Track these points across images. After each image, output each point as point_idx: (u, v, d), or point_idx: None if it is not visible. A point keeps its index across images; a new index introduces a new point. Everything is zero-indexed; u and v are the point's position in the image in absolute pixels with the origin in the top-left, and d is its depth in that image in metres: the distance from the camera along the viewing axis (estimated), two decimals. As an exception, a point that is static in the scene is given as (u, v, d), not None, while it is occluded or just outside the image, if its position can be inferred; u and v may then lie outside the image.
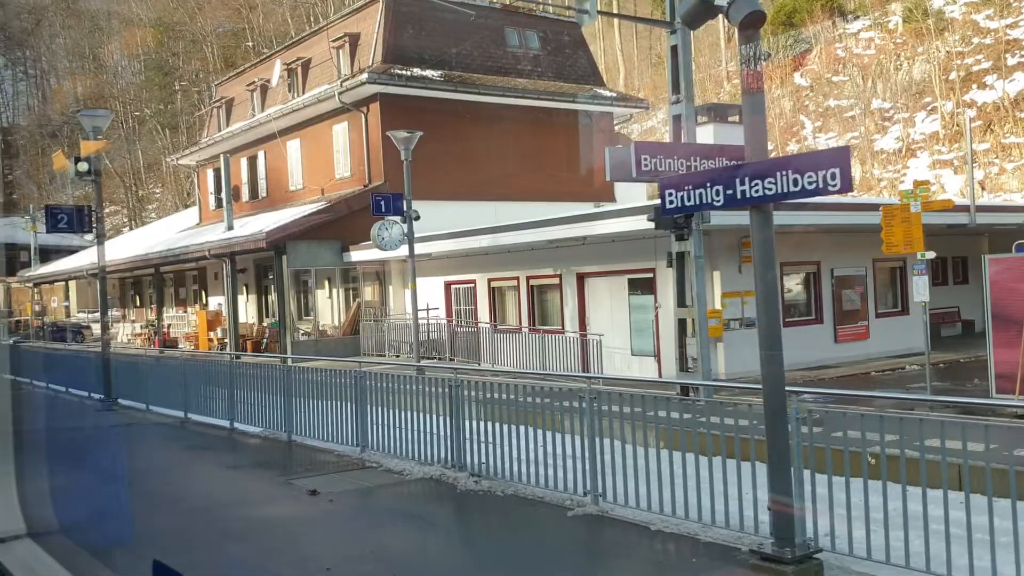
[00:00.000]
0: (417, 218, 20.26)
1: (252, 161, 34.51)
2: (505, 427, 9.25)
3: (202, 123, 46.93)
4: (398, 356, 26.32)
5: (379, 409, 10.98)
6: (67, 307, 48.73)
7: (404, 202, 20.18)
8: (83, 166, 16.45)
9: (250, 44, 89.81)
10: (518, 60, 30.31)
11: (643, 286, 19.95)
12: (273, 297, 33.54)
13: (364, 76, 26.55)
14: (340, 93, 27.40)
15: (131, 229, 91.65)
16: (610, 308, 20.83)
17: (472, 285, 25.11)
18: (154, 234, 46.01)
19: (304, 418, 12.27)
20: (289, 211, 29.05)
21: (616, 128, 32.94)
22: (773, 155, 7.29)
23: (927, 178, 46.18)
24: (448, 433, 9.58)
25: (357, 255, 26.85)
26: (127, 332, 49.25)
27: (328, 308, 28.92)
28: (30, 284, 49.69)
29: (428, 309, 25.70)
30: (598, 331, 20.57)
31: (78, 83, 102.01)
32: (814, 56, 61.03)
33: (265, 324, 33.84)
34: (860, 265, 22.04)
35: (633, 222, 17.04)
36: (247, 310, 35.37)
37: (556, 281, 22.19)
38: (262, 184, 33.78)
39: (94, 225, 16.83)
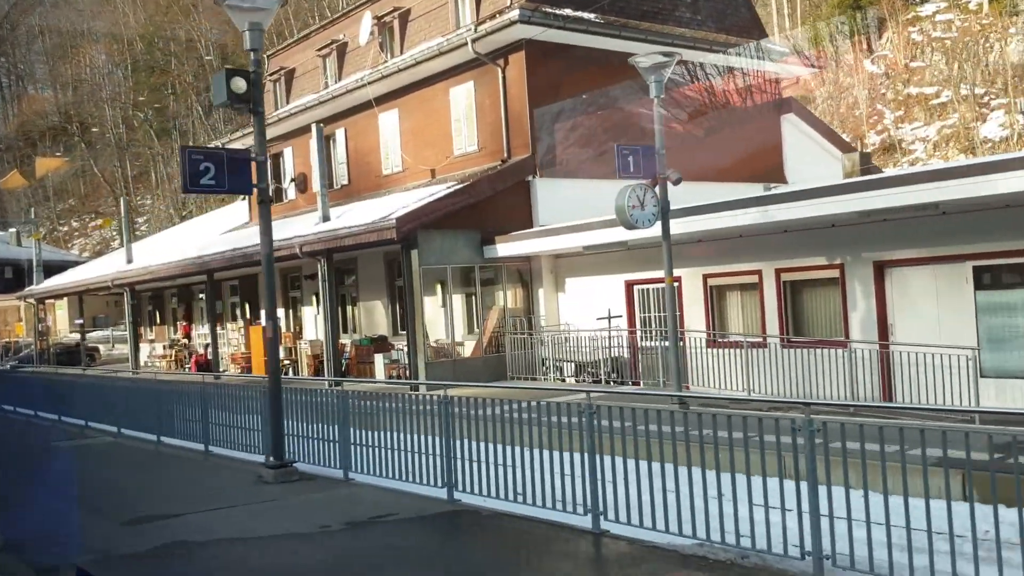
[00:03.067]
0: (677, 181, 13.89)
1: (326, 142, 27.90)
2: None
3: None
4: (564, 380, 19.89)
5: None
6: (80, 324, 41.77)
7: (657, 158, 13.82)
8: (239, 84, 9.89)
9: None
10: (675, 6, 24.03)
11: (1008, 276, 13.73)
12: (357, 309, 26.92)
13: (515, 13, 20.09)
14: (474, 40, 20.93)
15: (120, 243, 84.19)
16: (936, 310, 14.54)
17: (674, 284, 18.72)
18: (170, 242, 39.02)
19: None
20: (405, 196, 22.53)
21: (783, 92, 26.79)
22: None
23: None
24: None
25: (505, 248, 20.37)
26: (146, 353, 42.28)
27: (443, 318, 22.25)
28: (32, 301, 42.65)
29: (610, 317, 19.32)
30: (911, 341, 14.29)
31: (59, 90, 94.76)
32: (885, 41, 55.71)
33: (344, 341, 27.23)
34: None
35: None
36: (317, 325, 28.75)
37: (833, 274, 15.87)
38: (341, 169, 27.18)
39: (255, 182, 10.27)
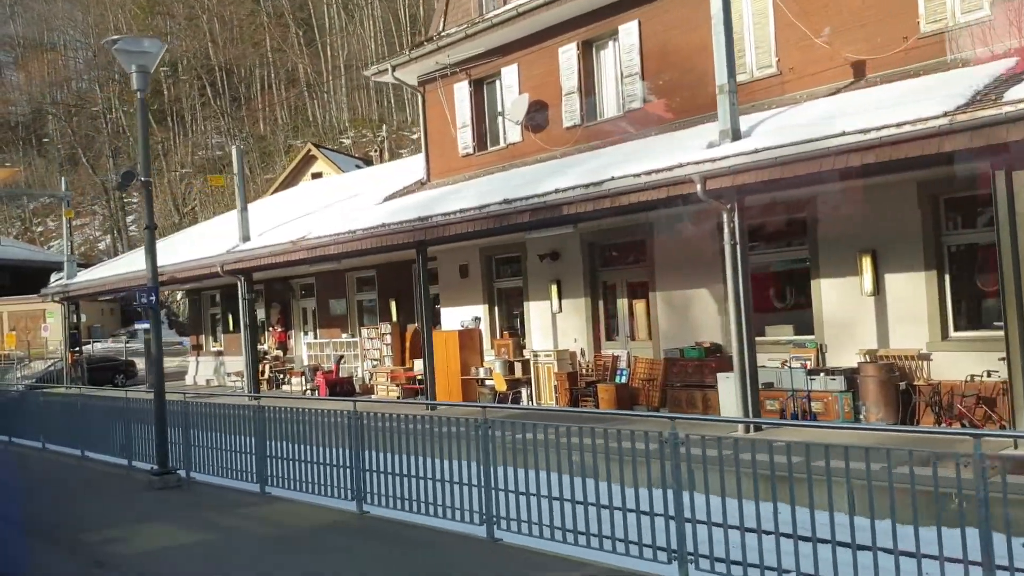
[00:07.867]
0: None
1: (587, 50, 17.91)
2: None
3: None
4: None
5: None
6: (134, 333, 31.05)
7: None
8: None
9: (265, 19, 72.59)
10: None
11: None
12: (650, 303, 16.86)
13: None
14: None
15: (114, 245, 72.51)
16: None
17: None
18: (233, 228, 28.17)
19: None
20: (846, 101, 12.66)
21: None
22: None
23: None
24: None
25: None
26: (211, 369, 31.60)
27: (910, 307, 12.36)
28: (60, 299, 31.70)
29: None
30: None
31: (38, 67, 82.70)
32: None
33: (618, 352, 17.25)
34: None
35: None
36: (557, 327, 18.68)
37: None
38: (629, 87, 17.10)
39: None
